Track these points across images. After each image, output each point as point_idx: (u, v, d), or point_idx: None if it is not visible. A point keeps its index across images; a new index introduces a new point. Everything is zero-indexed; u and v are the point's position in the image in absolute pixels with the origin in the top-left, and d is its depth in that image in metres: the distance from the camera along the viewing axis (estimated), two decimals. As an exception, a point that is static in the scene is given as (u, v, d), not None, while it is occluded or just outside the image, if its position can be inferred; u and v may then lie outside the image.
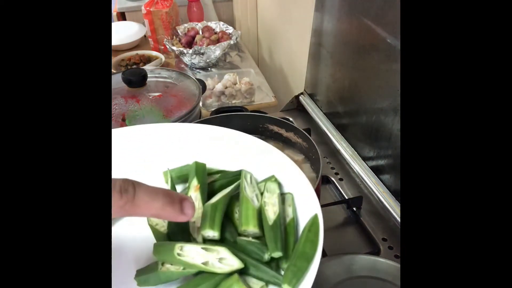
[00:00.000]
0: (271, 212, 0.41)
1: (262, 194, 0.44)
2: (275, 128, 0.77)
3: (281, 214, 0.41)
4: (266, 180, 0.46)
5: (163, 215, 0.34)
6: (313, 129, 0.97)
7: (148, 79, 0.88)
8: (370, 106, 0.79)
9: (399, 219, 0.71)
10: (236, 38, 1.42)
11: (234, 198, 0.44)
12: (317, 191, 0.62)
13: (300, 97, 1.11)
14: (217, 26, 1.53)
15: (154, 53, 1.49)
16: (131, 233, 0.43)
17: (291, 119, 1.03)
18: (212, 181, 0.48)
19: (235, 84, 1.21)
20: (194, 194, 0.44)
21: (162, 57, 1.45)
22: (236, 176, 0.47)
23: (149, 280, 0.37)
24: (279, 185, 0.45)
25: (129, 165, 0.49)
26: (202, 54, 1.36)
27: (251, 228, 0.39)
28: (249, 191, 0.43)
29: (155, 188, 0.34)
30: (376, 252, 0.69)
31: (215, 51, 1.37)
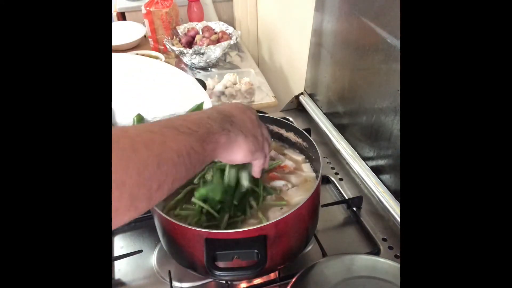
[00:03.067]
0: None
1: None
2: (275, 128, 0.77)
3: None
4: None
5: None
6: (313, 129, 0.97)
7: (148, 79, 0.88)
8: (370, 106, 0.79)
9: (399, 219, 0.71)
10: (236, 38, 1.42)
11: None
12: (317, 191, 0.62)
13: (300, 97, 1.11)
14: (217, 26, 1.53)
15: (154, 53, 1.49)
16: None
17: (291, 119, 1.03)
18: None
19: (235, 84, 1.21)
20: None
21: (162, 57, 1.45)
22: None
23: None
24: None
25: None
26: (202, 54, 1.36)
27: None
28: None
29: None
30: (376, 252, 0.69)
31: (215, 51, 1.37)
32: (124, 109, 0.68)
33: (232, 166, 0.65)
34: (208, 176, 0.67)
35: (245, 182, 0.64)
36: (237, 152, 0.52)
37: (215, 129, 0.47)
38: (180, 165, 0.41)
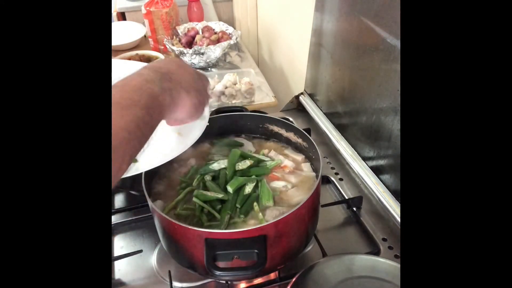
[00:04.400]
0: None
1: None
2: (275, 128, 0.77)
3: None
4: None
5: None
6: (313, 129, 0.97)
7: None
8: (370, 106, 0.79)
9: (399, 219, 0.71)
10: (236, 38, 1.42)
11: None
12: (317, 191, 0.62)
13: (300, 97, 1.11)
14: (217, 26, 1.53)
15: (154, 53, 1.49)
16: None
17: (291, 119, 1.03)
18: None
19: (235, 84, 1.21)
20: None
21: (162, 57, 1.45)
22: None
23: None
24: None
25: None
26: (202, 54, 1.36)
27: None
28: None
29: None
30: (376, 252, 0.69)
31: (215, 51, 1.37)
32: None
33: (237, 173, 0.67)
34: (208, 177, 0.67)
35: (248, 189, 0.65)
36: (181, 110, 0.51)
37: (156, 91, 0.46)
38: (133, 141, 0.40)
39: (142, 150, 0.43)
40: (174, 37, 1.50)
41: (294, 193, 0.66)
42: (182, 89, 0.50)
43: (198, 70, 0.57)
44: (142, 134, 0.42)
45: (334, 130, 0.95)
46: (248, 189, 0.65)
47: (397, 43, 0.67)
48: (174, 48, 1.38)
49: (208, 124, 0.62)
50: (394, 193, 0.76)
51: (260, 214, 0.62)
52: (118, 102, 0.40)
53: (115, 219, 0.78)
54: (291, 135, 0.76)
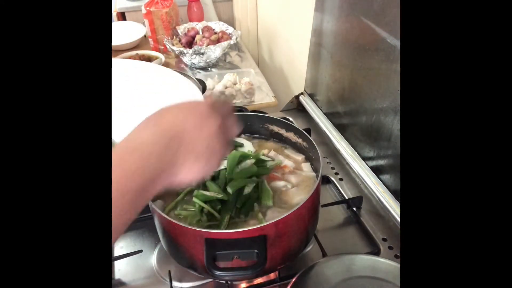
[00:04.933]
0: None
1: None
2: (275, 128, 0.77)
3: None
4: None
5: None
6: (313, 129, 0.97)
7: (148, 79, 0.88)
8: (370, 106, 0.79)
9: (399, 219, 0.71)
10: (236, 38, 1.42)
11: None
12: (317, 191, 0.62)
13: (300, 97, 1.11)
14: (217, 26, 1.53)
15: (154, 53, 1.49)
16: None
17: (291, 119, 1.03)
18: None
19: (235, 84, 1.21)
20: None
21: (162, 57, 1.45)
22: None
23: None
24: None
25: None
26: (202, 54, 1.36)
27: None
28: None
29: None
30: (376, 252, 0.69)
31: (215, 51, 1.37)
32: (117, 116, 0.68)
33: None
34: (207, 177, 0.67)
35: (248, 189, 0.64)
36: (183, 177, 0.44)
37: (158, 170, 0.40)
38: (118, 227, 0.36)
39: None
40: (174, 37, 1.50)
41: (294, 193, 0.66)
42: (189, 157, 0.43)
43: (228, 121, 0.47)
44: (129, 218, 0.38)
45: (334, 130, 0.95)
46: (248, 189, 0.65)
47: (397, 43, 0.67)
48: (174, 48, 1.38)
49: None
50: (394, 193, 0.76)
51: (260, 214, 0.62)
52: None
53: (115, 219, 0.78)
54: (291, 135, 0.76)
